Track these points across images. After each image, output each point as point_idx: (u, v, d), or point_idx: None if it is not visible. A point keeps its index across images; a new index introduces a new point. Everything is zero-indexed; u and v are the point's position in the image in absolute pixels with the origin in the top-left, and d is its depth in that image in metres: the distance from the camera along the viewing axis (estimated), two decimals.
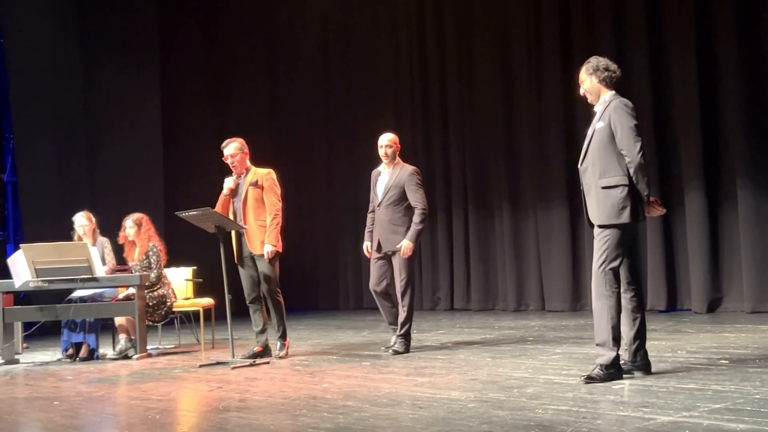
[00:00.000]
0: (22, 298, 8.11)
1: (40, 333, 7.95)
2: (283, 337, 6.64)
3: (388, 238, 6.44)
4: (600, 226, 4.62)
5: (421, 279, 11.27)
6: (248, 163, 6.62)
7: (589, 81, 4.80)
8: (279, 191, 6.60)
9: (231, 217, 6.53)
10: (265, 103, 13.01)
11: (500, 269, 10.33)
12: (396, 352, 6.31)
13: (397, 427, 3.68)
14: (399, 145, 6.64)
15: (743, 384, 4.22)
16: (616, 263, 4.56)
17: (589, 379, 4.48)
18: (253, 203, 6.48)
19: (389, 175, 6.53)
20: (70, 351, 7.29)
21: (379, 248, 6.52)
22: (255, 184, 6.49)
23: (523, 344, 6.60)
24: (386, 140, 6.59)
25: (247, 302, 6.63)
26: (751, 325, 6.99)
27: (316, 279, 12.72)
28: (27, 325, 7.66)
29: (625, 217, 4.55)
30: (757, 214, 8.07)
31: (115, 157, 11.25)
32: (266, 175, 6.56)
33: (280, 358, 6.51)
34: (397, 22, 11.73)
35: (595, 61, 4.82)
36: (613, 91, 4.76)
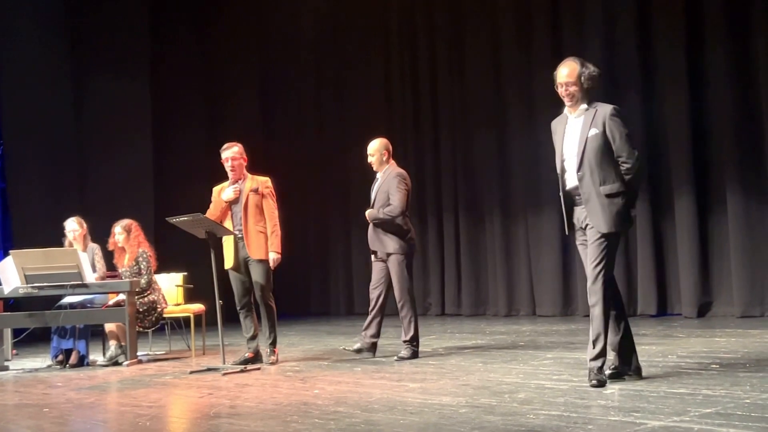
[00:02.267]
0: (12, 304, 8.06)
1: (29, 339, 7.92)
2: (273, 344, 6.64)
3: (378, 243, 6.45)
4: (604, 234, 4.58)
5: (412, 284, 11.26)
6: (245, 170, 6.65)
7: (575, 85, 4.67)
8: (275, 199, 6.67)
9: (228, 222, 6.55)
10: (256, 109, 12.99)
11: (491, 274, 10.34)
12: (401, 358, 6.26)
13: None
14: (387, 150, 6.63)
15: (733, 388, 4.23)
16: (612, 269, 4.60)
17: (600, 384, 4.46)
18: (253, 209, 6.53)
19: (381, 179, 6.59)
20: (60, 357, 7.26)
21: (375, 253, 6.55)
22: (255, 191, 6.55)
23: (515, 349, 6.61)
24: (369, 149, 6.63)
25: (238, 308, 6.62)
26: (741, 330, 7.01)
27: (308, 284, 12.71)
28: (16, 332, 7.62)
29: (627, 225, 4.63)
30: (747, 219, 8.10)
31: (105, 164, 11.21)
32: (265, 182, 6.65)
33: (270, 365, 6.50)
34: (388, 30, 11.74)
35: (587, 66, 4.70)
36: (588, 98, 4.70)
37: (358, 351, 6.47)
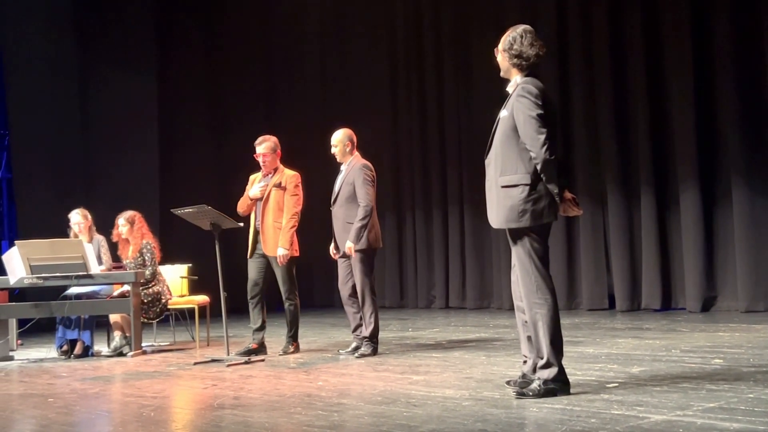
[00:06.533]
0: (17, 294, 8.09)
1: (34, 330, 7.94)
2: (294, 338, 6.63)
3: (343, 237, 6.29)
4: (510, 231, 4.17)
5: (416, 277, 11.27)
6: (278, 163, 6.62)
7: (501, 56, 4.22)
8: (300, 196, 6.59)
9: (253, 215, 6.55)
10: (262, 101, 12.97)
11: (495, 267, 10.32)
12: (362, 355, 6.11)
13: (392, 425, 3.68)
14: (351, 141, 6.49)
15: (737, 383, 4.23)
16: (542, 266, 4.16)
17: (520, 395, 4.10)
18: (274, 204, 6.48)
19: (344, 171, 6.45)
20: (65, 348, 7.28)
21: (338, 248, 6.42)
22: (279, 186, 6.51)
23: (518, 342, 6.58)
24: (333, 140, 6.51)
25: (248, 298, 6.61)
26: (745, 325, 7.01)
27: (312, 276, 12.70)
28: (22, 322, 7.65)
29: (525, 221, 4.06)
30: (752, 213, 8.08)
31: (111, 155, 11.22)
32: (291, 177, 6.58)
33: (282, 354, 6.49)
34: (394, 25, 11.71)
35: (512, 36, 4.17)
36: (523, 76, 4.15)
37: (356, 349, 6.32)
